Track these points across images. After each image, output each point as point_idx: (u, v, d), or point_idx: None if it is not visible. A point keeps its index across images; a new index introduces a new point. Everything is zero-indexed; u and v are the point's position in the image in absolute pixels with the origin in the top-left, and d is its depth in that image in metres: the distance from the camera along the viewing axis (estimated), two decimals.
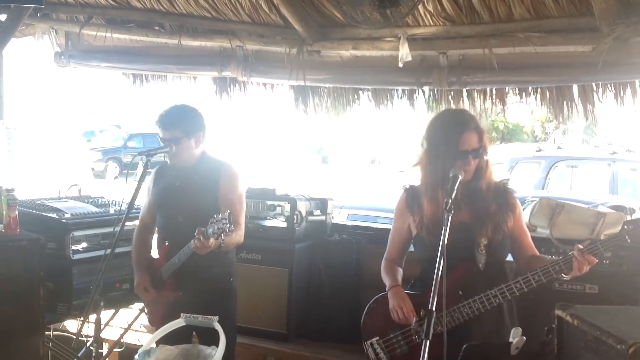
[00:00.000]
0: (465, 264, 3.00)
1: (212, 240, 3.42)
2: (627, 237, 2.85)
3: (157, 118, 3.81)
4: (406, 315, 3.08)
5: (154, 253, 4.02)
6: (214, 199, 3.75)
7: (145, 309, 4.08)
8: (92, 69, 6.00)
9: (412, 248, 3.37)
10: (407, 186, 3.30)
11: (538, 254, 3.21)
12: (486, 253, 3.04)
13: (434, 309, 2.51)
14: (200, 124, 3.82)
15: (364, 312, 3.32)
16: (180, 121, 3.76)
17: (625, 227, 2.86)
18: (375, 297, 3.32)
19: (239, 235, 3.75)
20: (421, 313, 3.01)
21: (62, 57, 5.83)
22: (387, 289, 3.22)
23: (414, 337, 3.08)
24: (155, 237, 4.05)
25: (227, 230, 3.34)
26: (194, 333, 3.78)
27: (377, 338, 3.21)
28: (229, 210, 3.38)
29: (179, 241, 3.68)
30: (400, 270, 3.32)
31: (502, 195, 3.14)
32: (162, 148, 3.85)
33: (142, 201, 4.04)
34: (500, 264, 3.17)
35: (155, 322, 3.80)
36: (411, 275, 3.35)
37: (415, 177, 3.24)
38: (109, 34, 5.45)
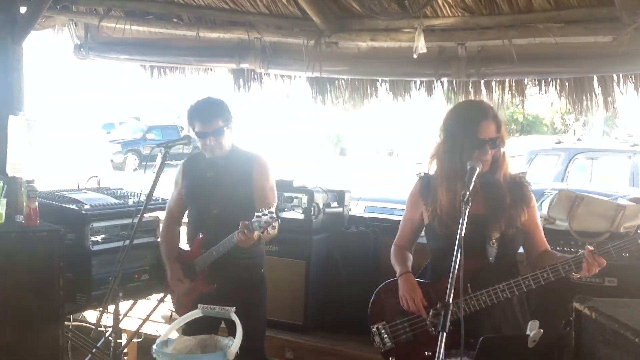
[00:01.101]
0: (476, 256, 2.97)
1: (256, 233, 3.48)
2: (639, 241, 2.82)
3: (193, 113, 3.80)
4: (416, 305, 3.09)
5: (183, 245, 4.06)
6: (248, 190, 3.80)
7: (172, 299, 4.10)
8: (111, 61, 6.03)
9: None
10: (422, 174, 3.28)
11: (549, 249, 3.19)
12: (498, 247, 3.02)
13: (450, 301, 2.51)
14: (231, 113, 3.84)
15: (372, 297, 3.34)
16: (220, 112, 3.78)
17: (639, 231, 2.84)
18: (384, 283, 3.34)
19: (274, 228, 3.78)
20: (438, 305, 3.01)
21: (82, 49, 5.86)
22: (397, 275, 3.23)
23: (430, 329, 3.08)
24: (184, 228, 4.08)
25: (275, 224, 3.40)
26: (222, 325, 3.81)
27: (384, 323, 3.25)
28: (275, 205, 3.48)
29: (215, 233, 3.72)
30: (410, 257, 3.33)
31: (518, 188, 3.11)
32: (181, 140, 3.88)
33: (170, 193, 4.08)
34: (512, 258, 3.15)
35: (184, 313, 3.80)
36: (419, 264, 3.36)
37: (432, 168, 3.22)
38: (127, 26, 5.45)
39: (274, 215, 3.40)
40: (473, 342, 2.79)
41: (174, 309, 4.23)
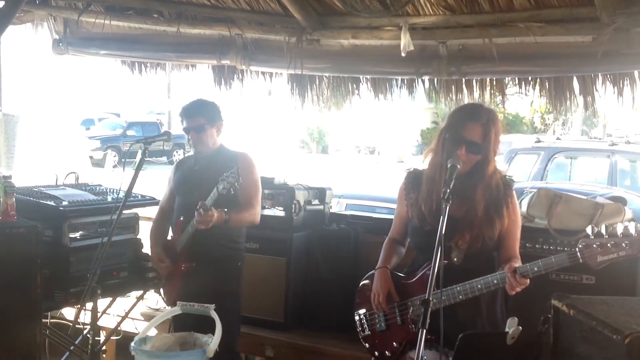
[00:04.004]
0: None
1: (213, 212, 3.61)
2: (579, 256, 2.76)
3: (181, 110, 4.07)
4: (381, 302, 3.16)
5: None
6: None
7: (161, 289, 4.30)
8: (91, 56, 5.98)
9: None
10: (411, 169, 3.30)
11: (516, 258, 3.08)
12: (465, 250, 3.00)
13: (430, 298, 2.52)
14: (220, 115, 4.09)
15: (359, 285, 3.42)
16: (203, 110, 4.04)
17: (580, 245, 2.77)
18: (369, 273, 3.37)
19: (251, 215, 3.94)
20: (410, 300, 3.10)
21: (61, 44, 5.80)
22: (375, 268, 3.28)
23: (396, 320, 3.15)
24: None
25: (237, 184, 3.54)
26: None
27: (365, 311, 3.33)
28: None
29: (192, 217, 3.80)
30: (400, 250, 3.34)
31: (497, 202, 3.04)
32: (160, 136, 3.93)
33: (162, 191, 4.29)
34: (484, 261, 3.09)
35: (171, 301, 4.03)
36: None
37: (425, 162, 3.20)
38: (107, 22, 5.41)
39: (236, 174, 3.52)
40: (434, 340, 2.79)
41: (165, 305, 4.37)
